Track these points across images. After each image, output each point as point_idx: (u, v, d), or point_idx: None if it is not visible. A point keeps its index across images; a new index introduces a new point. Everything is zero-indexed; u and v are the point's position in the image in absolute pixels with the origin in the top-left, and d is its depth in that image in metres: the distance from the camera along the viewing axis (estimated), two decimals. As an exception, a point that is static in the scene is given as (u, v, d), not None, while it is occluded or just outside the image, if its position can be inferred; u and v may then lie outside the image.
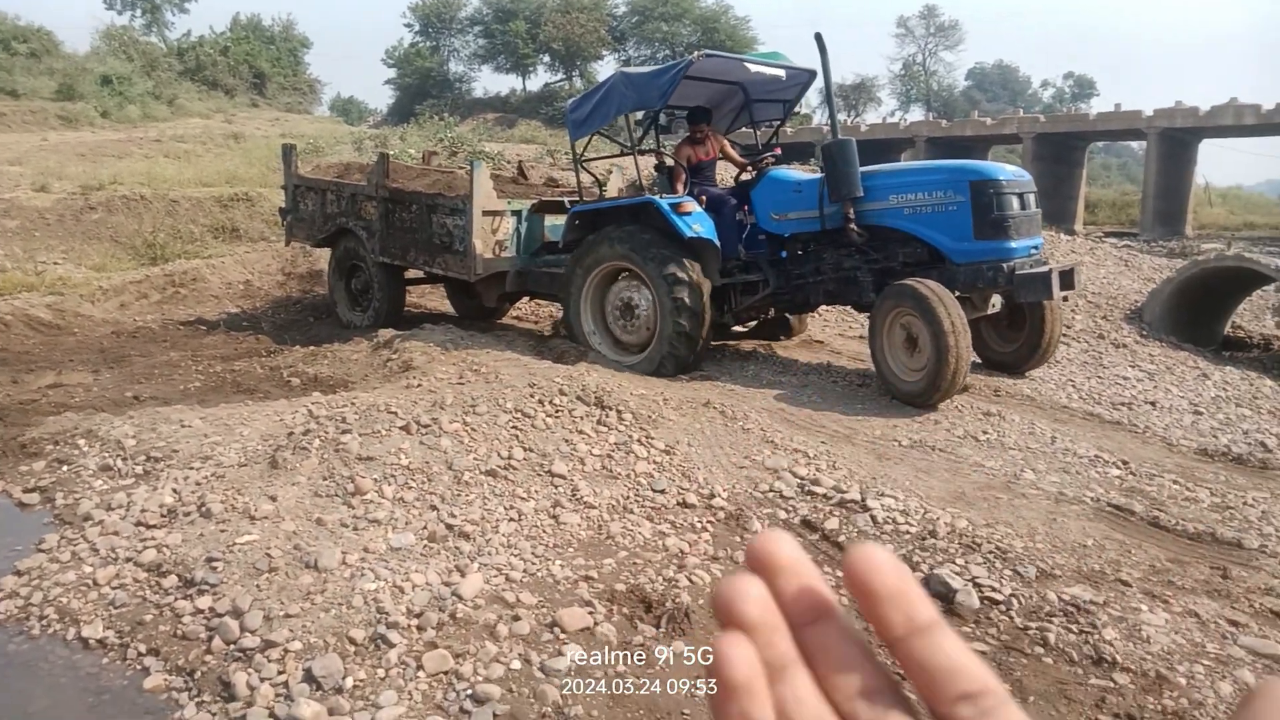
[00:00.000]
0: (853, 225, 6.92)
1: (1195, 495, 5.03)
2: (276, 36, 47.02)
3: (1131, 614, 3.60)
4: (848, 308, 8.83)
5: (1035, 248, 6.86)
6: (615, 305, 7.64)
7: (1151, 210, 40.00)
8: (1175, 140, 40.75)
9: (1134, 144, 65.08)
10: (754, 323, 8.51)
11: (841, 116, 59.76)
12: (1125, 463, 5.48)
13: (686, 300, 6.97)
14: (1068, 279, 6.68)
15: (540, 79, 60.70)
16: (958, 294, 6.58)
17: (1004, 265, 6.48)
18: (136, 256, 13.14)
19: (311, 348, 8.37)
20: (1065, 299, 7.01)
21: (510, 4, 57.93)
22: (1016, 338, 7.40)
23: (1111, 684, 3.18)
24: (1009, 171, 6.79)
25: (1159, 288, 9.99)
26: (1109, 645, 3.37)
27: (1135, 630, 3.48)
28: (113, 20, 44.72)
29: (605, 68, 56.03)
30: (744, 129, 8.88)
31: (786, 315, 8.43)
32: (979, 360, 7.51)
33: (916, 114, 66.40)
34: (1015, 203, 6.59)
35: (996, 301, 6.77)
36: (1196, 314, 10.06)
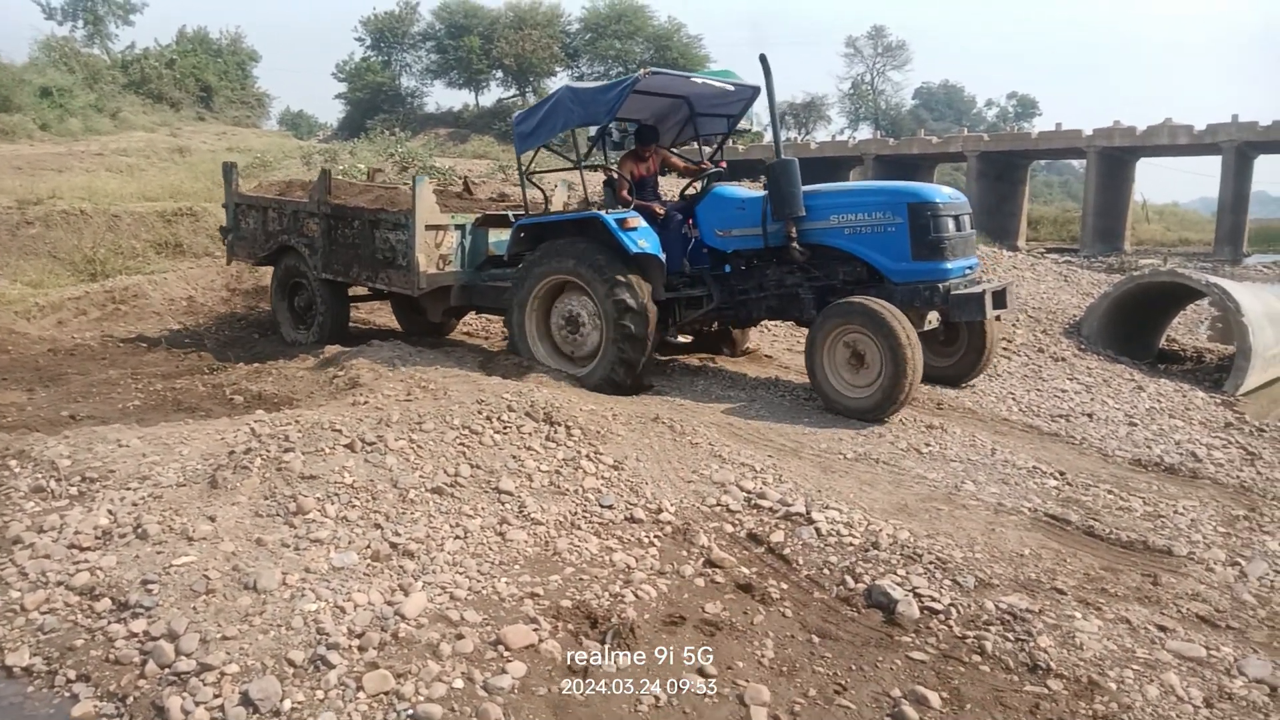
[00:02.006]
0: (795, 243, 7.05)
1: (1129, 504, 5.17)
2: (224, 49, 46.33)
3: (1066, 621, 3.69)
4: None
5: (970, 268, 7.08)
6: (560, 319, 7.68)
7: (1091, 227, 41.14)
8: (1114, 159, 42.00)
9: (1075, 162, 66.91)
10: (693, 337, 8.67)
11: (792, 134, 60.62)
12: (1062, 473, 5.61)
13: (632, 314, 7.02)
14: (1000, 299, 6.90)
15: (493, 94, 60.65)
16: None
17: (940, 285, 6.66)
18: (76, 272, 12.85)
19: (256, 365, 8.24)
20: (998, 318, 7.26)
21: (463, 20, 57.86)
22: (952, 353, 7.66)
23: (1046, 690, 3.25)
24: (946, 194, 6.95)
25: (1096, 302, 10.26)
26: (1044, 652, 3.45)
27: (1069, 637, 3.57)
28: (53, 30, 43.71)
29: (558, 84, 56.03)
30: (688, 144, 8.94)
31: (730, 329, 8.57)
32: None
33: (865, 132, 67.61)
34: (951, 224, 6.78)
35: (933, 319, 6.94)
36: (1132, 328, 10.35)
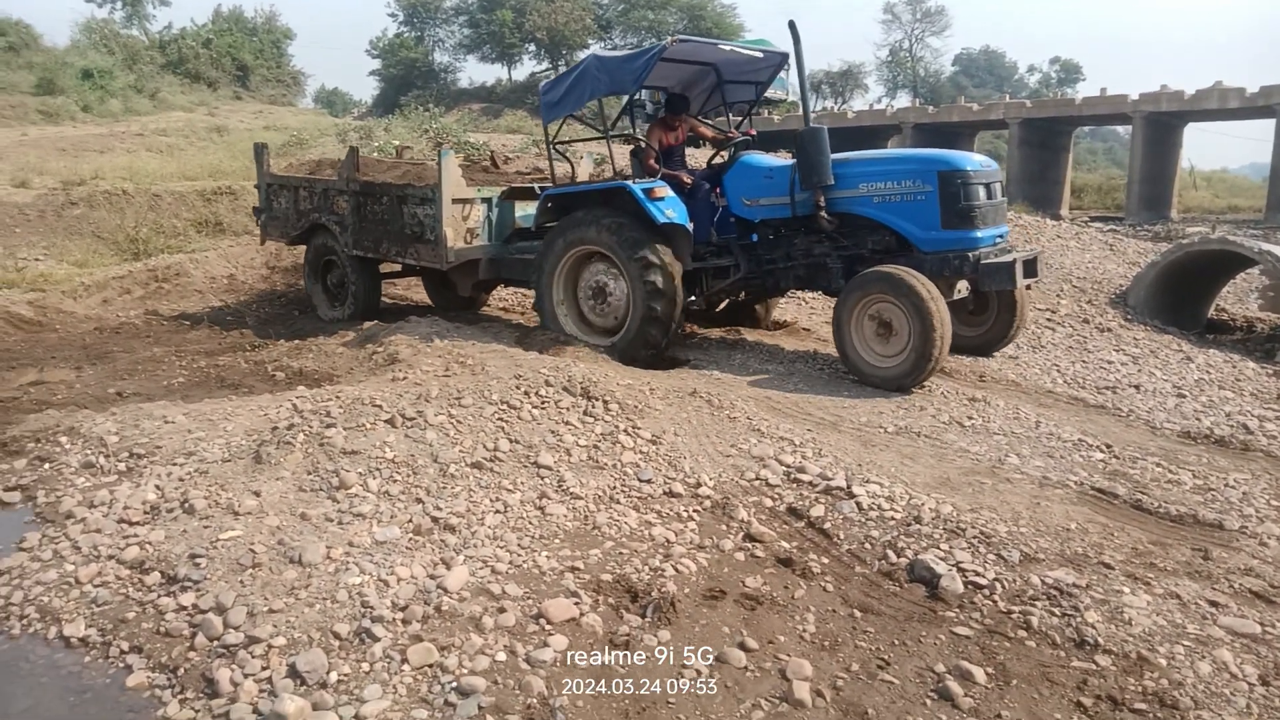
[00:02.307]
0: (823, 212, 7.00)
1: (1178, 478, 5.06)
2: (259, 28, 46.58)
3: (1114, 596, 3.63)
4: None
5: (1001, 236, 7.00)
6: (587, 289, 7.68)
7: (1137, 194, 40.17)
8: (1161, 124, 40.88)
9: (1120, 129, 65.31)
10: (721, 307, 8.70)
11: (829, 103, 59.78)
12: (1109, 446, 5.51)
13: (659, 284, 7.01)
14: (1031, 268, 6.82)
15: (526, 68, 60.56)
16: None
17: (970, 254, 6.59)
18: (119, 252, 13.04)
19: (296, 342, 8.33)
20: (1029, 287, 7.20)
21: (494, -7, 57.64)
22: (982, 322, 7.59)
23: (1094, 666, 3.20)
24: (976, 161, 6.86)
25: (1143, 272, 10.03)
26: (1091, 628, 3.39)
27: (1117, 613, 3.51)
28: (93, 13, 44.26)
29: (591, 57, 55.74)
30: (716, 112, 8.87)
31: (755, 307, 8.61)
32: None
33: (903, 100, 66.43)
34: (982, 193, 6.69)
35: (963, 288, 6.88)
36: (1180, 297, 10.10)
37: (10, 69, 28.30)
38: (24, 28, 32.88)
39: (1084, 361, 7.68)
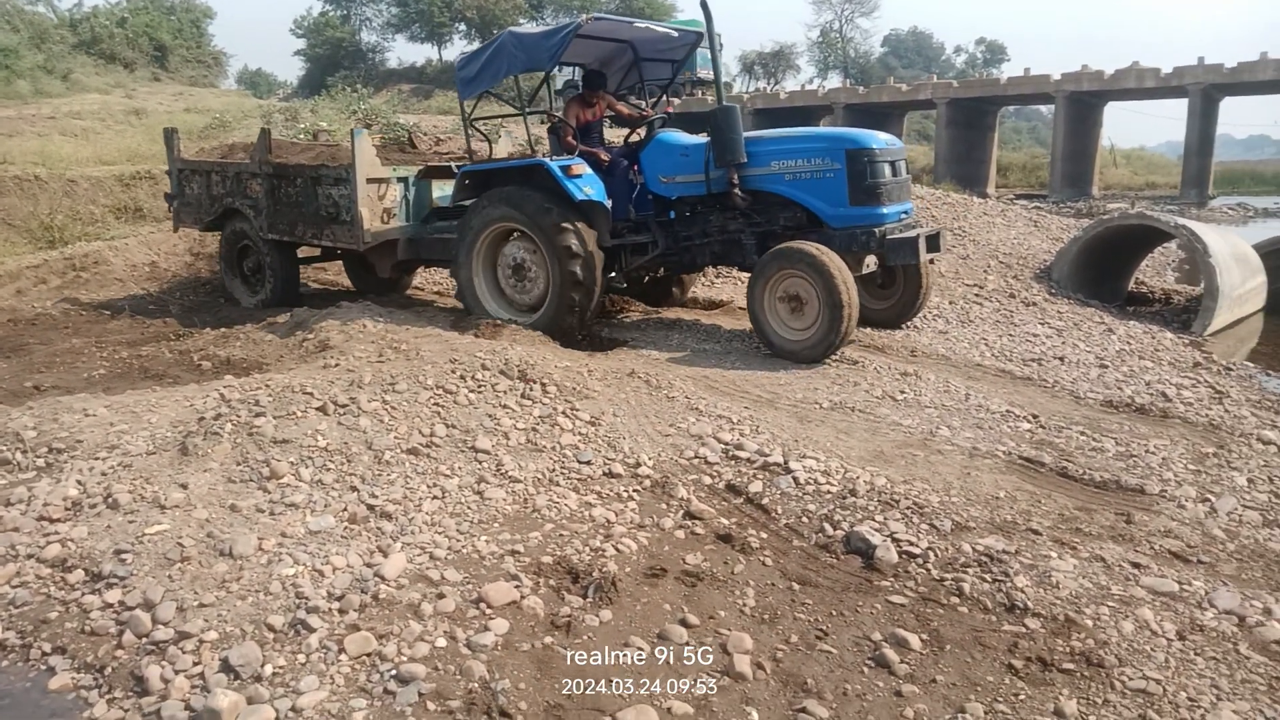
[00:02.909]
0: (737, 190, 7.15)
1: (1101, 445, 5.23)
2: (177, 7, 44.93)
3: (1042, 561, 3.74)
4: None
5: (906, 213, 7.22)
6: (506, 266, 7.71)
7: (1060, 172, 41.28)
8: (1082, 103, 41.99)
9: (1043, 108, 66.94)
10: (645, 281, 8.86)
11: (761, 84, 60.05)
12: (1035, 417, 5.66)
13: (578, 261, 7.08)
14: (934, 243, 7.10)
15: (457, 48, 59.33)
16: None
17: (876, 230, 6.80)
18: (33, 240, 12.52)
19: (223, 330, 8.10)
20: (932, 261, 7.53)
21: (423, -29, 56.46)
22: (890, 295, 7.81)
23: (1023, 629, 3.29)
24: (882, 140, 7.02)
25: (1066, 247, 10.32)
26: (1020, 592, 3.49)
27: (1045, 577, 3.62)
28: (-5, -11, 42.14)
29: (523, 37, 55.02)
30: (632, 91, 8.90)
31: (677, 277, 8.80)
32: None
33: (834, 81, 67.10)
34: (888, 170, 6.88)
35: (871, 263, 7.05)
36: (1102, 271, 10.43)
37: (-94, 48, 26.86)
38: (-82, 4, 31.22)
39: (1010, 335, 7.87)
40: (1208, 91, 38.61)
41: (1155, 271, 13.06)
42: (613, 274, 7.67)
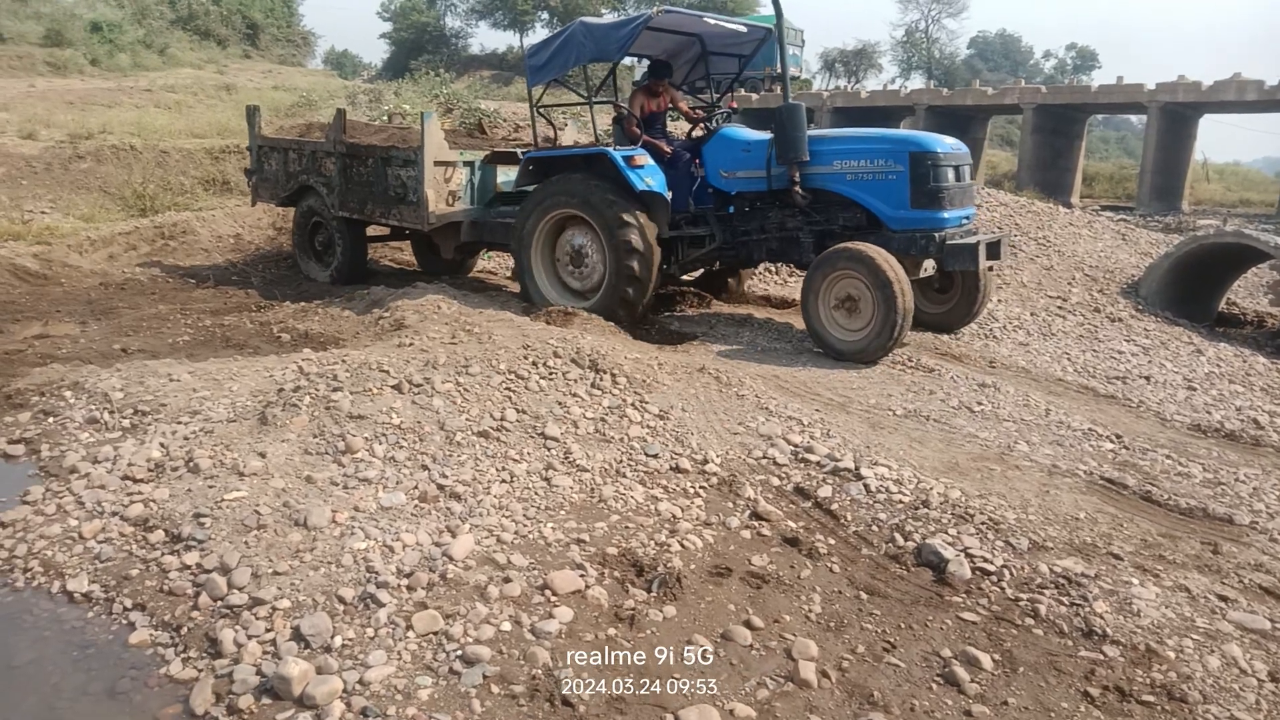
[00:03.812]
0: (797, 187, 7.14)
1: (1188, 470, 5.03)
2: (270, -14, 46.09)
3: (1122, 587, 3.60)
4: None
5: (968, 218, 7.15)
6: (566, 252, 7.81)
7: (1149, 185, 39.86)
8: (1176, 115, 40.50)
9: (1133, 118, 64.77)
10: (700, 274, 8.90)
11: (842, 82, 59.19)
12: (1119, 436, 5.47)
13: (636, 250, 7.16)
14: (994, 250, 7.00)
15: (538, 36, 59.79)
16: None
17: (936, 234, 6.73)
18: (126, 208, 12.98)
19: (302, 304, 8.29)
20: (992, 268, 7.34)
21: (509, -41, 56.95)
22: (946, 300, 7.70)
23: (1101, 656, 3.18)
24: (947, 144, 6.95)
25: (1156, 262, 9.94)
26: (1099, 618, 3.37)
27: (1126, 604, 3.48)
28: (102, -35, 43.73)
29: (604, 27, 55.20)
30: (699, 81, 8.91)
31: (728, 277, 8.86)
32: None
33: (917, 82, 65.80)
34: (951, 174, 6.81)
35: (929, 266, 6.94)
36: (1191, 290, 10.02)
37: (18, 19, 28.04)
38: (33, -22, 32.52)
39: (1094, 351, 7.62)
40: (1313, 107, 36.87)
41: (1247, 292, 12.50)
42: (668, 265, 7.72)
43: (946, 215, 6.79)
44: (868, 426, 5.35)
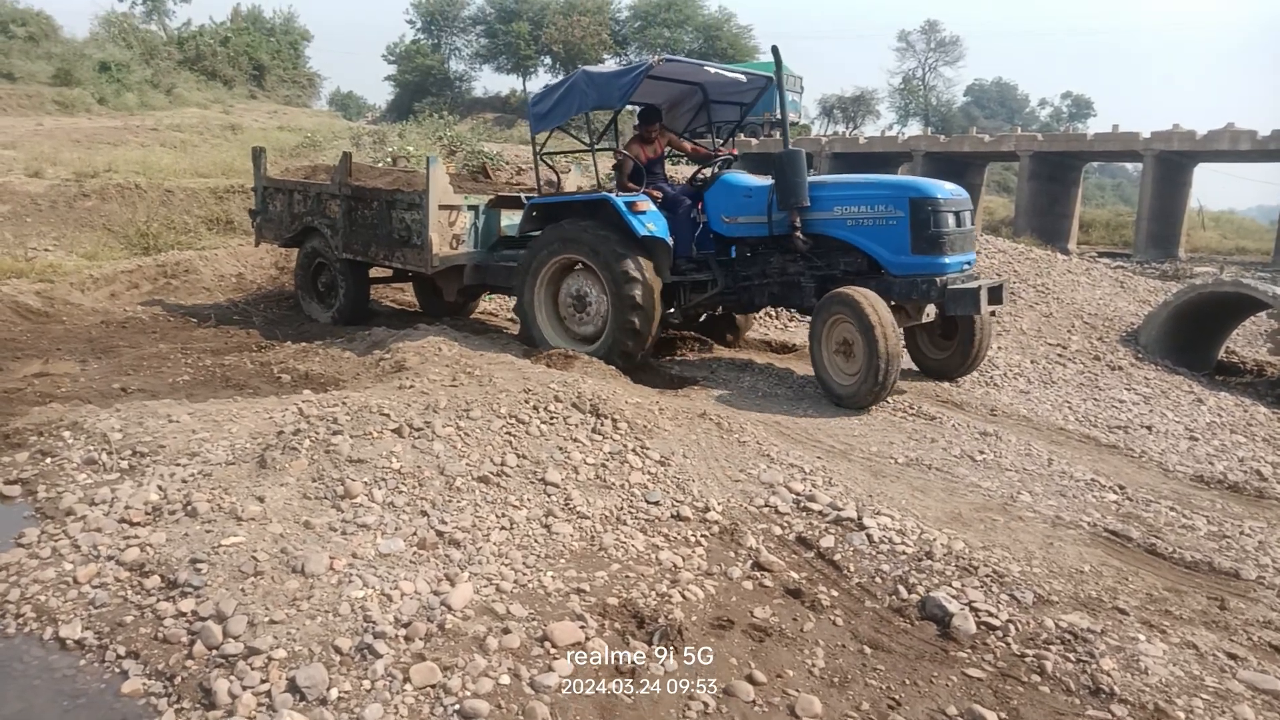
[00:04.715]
0: (798, 233, 7.17)
1: (1192, 523, 4.99)
2: (277, 29, 46.85)
3: (1129, 644, 3.55)
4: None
5: (968, 263, 7.15)
6: (568, 298, 7.87)
7: (1145, 232, 40.19)
8: (1171, 163, 40.94)
9: (1129, 165, 65.44)
10: (703, 319, 8.93)
11: (840, 128, 59.90)
12: (1122, 487, 5.44)
13: (637, 296, 7.19)
14: (996, 295, 6.97)
15: (541, 80, 60.72)
16: (893, 303, 6.89)
17: (937, 279, 6.76)
18: (129, 246, 13.04)
19: (303, 344, 8.29)
20: (994, 314, 7.35)
21: (513, 4, 57.99)
22: (950, 346, 7.66)
23: (1109, 716, 3.12)
24: (947, 190, 6.96)
25: (1156, 310, 9.98)
26: (1107, 675, 3.32)
27: (1133, 660, 3.44)
28: (113, 7, 44.56)
29: (606, 71, 56.06)
30: (700, 130, 9.01)
31: (735, 316, 8.84)
32: (915, 368, 7.84)
33: (915, 128, 66.58)
34: (951, 220, 6.82)
35: (930, 312, 6.97)
36: (1190, 338, 10.05)
37: (29, 59, 28.44)
38: (44, 18, 33.12)
39: (1095, 399, 7.61)
40: (1307, 157, 37.29)
41: (1246, 341, 12.54)
42: (671, 310, 7.75)
43: (947, 260, 6.81)
44: (870, 475, 5.32)
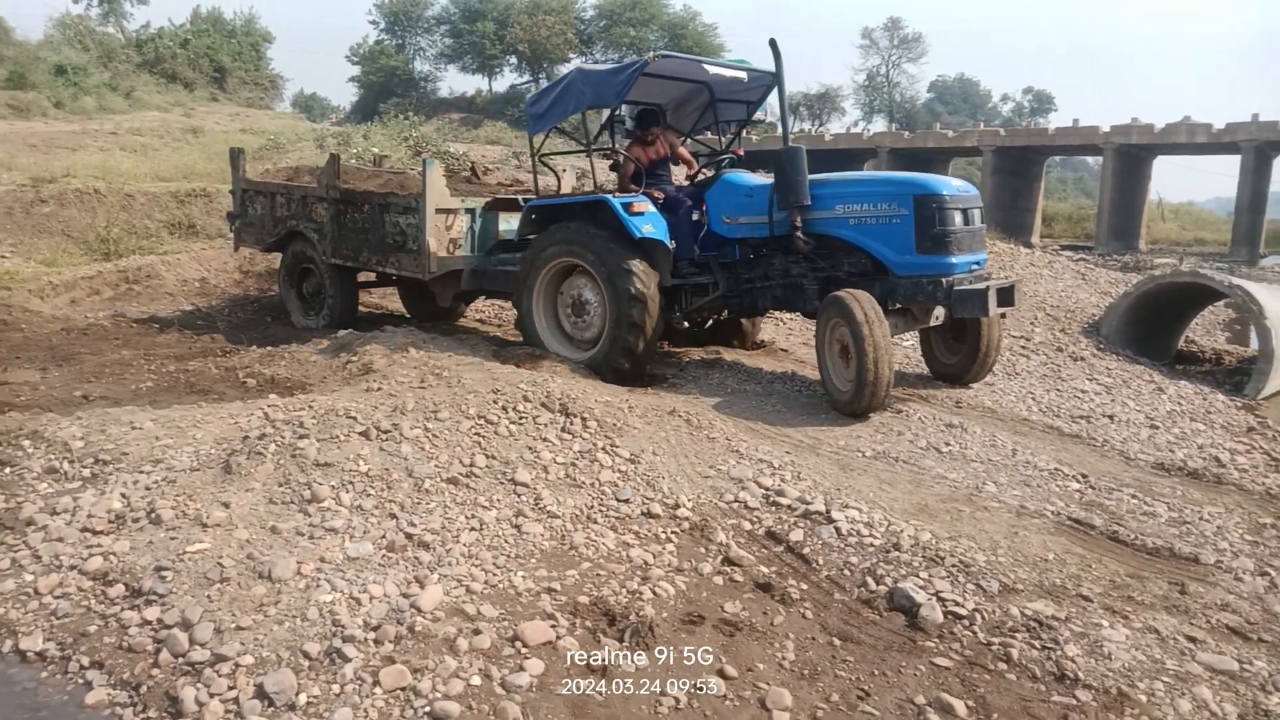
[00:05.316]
0: (800, 233, 6.95)
1: (1153, 510, 5.08)
2: (238, 30, 46.21)
3: (1093, 630, 3.62)
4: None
5: (978, 263, 6.86)
6: (567, 302, 7.67)
7: (1107, 225, 40.87)
8: (1131, 156, 41.65)
9: (1090, 159, 66.47)
10: (709, 324, 8.58)
11: (806, 125, 60.25)
12: (1085, 476, 5.53)
13: (637, 299, 6.98)
14: (1006, 296, 6.67)
15: (507, 80, 60.62)
16: (898, 306, 6.71)
17: (944, 280, 6.48)
18: (89, 251, 12.81)
19: (269, 348, 8.20)
20: (1004, 316, 7.06)
21: (478, 4, 57.67)
22: (959, 349, 7.44)
23: (1074, 701, 3.18)
24: (954, 186, 6.72)
25: (1116, 302, 10.15)
26: (1071, 662, 3.38)
27: (1097, 646, 3.50)
28: (68, 9, 43.78)
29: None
30: (707, 129, 8.86)
31: (740, 321, 8.55)
32: (927, 372, 7.71)
33: (879, 125, 67.19)
34: (958, 218, 6.56)
35: (939, 314, 6.73)
36: (1151, 328, 10.24)
37: (-20, 62, 27.83)
38: (-4, 21, 32.39)
39: (1058, 390, 7.73)
40: (1261, 149, 38.08)
41: (1205, 330, 12.81)
42: (676, 313, 7.56)
43: (955, 260, 6.50)
44: (838, 468, 5.37)
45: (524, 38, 53.58)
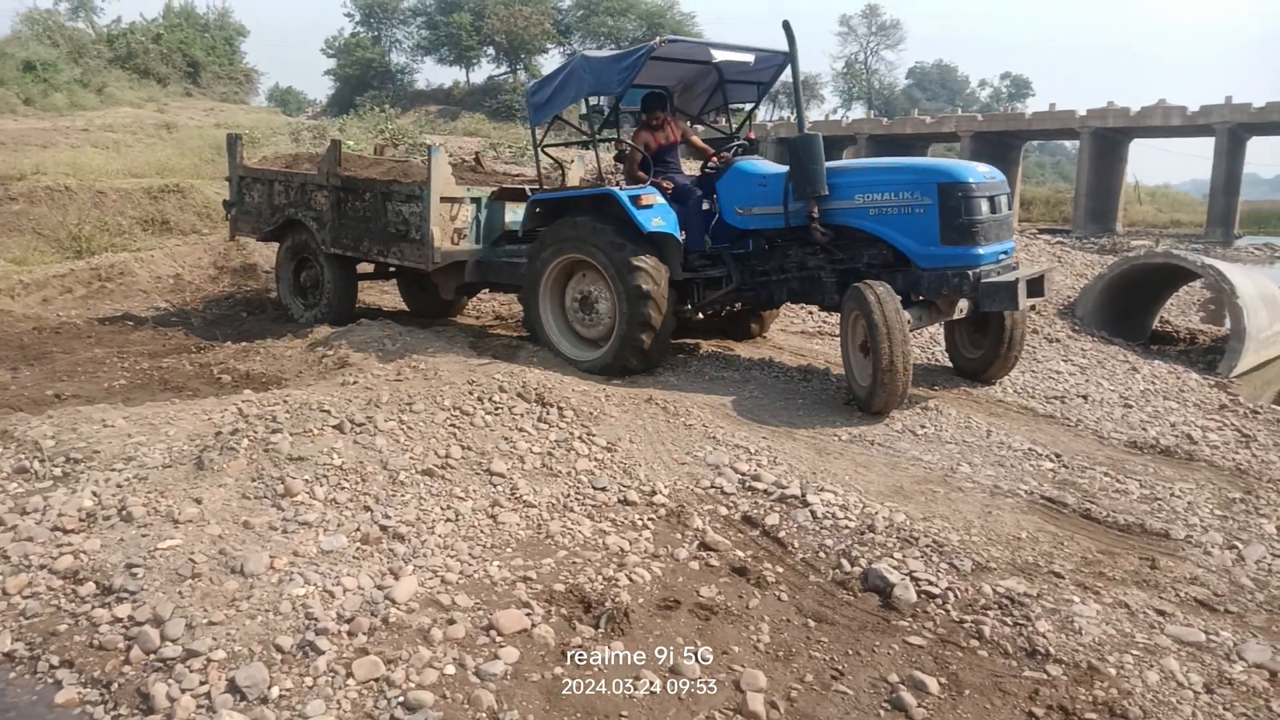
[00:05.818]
0: (817, 224, 6.67)
1: (1125, 487, 5.13)
2: (211, 24, 45.62)
3: (1064, 606, 3.65)
4: (808, 306, 8.77)
5: (1005, 253, 6.58)
6: (574, 299, 7.37)
7: (1084, 208, 41.14)
8: (1107, 140, 41.90)
9: (1067, 143, 66.82)
10: (723, 313, 8.29)
11: (785, 113, 60.22)
12: (1058, 455, 5.58)
13: (646, 295, 6.73)
14: (1036, 287, 6.37)
15: (484, 71, 60.21)
16: (922, 299, 6.44)
17: (970, 272, 6.17)
18: (60, 249, 12.65)
19: (244, 344, 8.14)
20: (1033, 308, 6.65)
21: (453, -5, 57.24)
22: (984, 343, 7.14)
23: (1045, 676, 3.21)
24: (980, 173, 6.39)
25: (1091, 283, 10.22)
26: (1042, 637, 3.42)
27: (1068, 622, 3.53)
28: (35, 4, 43.13)
29: (550, 61, 55.78)
30: (716, 111, 8.57)
31: (753, 312, 8.26)
32: (951, 366, 7.54)
33: (858, 112, 67.32)
34: (985, 206, 6.25)
35: (963, 306, 6.38)
36: (1126, 309, 10.32)
37: (-53, 59, 27.40)
38: (-39, 17, 31.83)
39: (1033, 371, 7.78)
40: (1235, 131, 38.43)
41: (1180, 310, 12.92)
42: (688, 307, 7.33)
43: (981, 251, 6.19)
44: (813, 452, 5.39)
45: (501, 29, 53.25)
